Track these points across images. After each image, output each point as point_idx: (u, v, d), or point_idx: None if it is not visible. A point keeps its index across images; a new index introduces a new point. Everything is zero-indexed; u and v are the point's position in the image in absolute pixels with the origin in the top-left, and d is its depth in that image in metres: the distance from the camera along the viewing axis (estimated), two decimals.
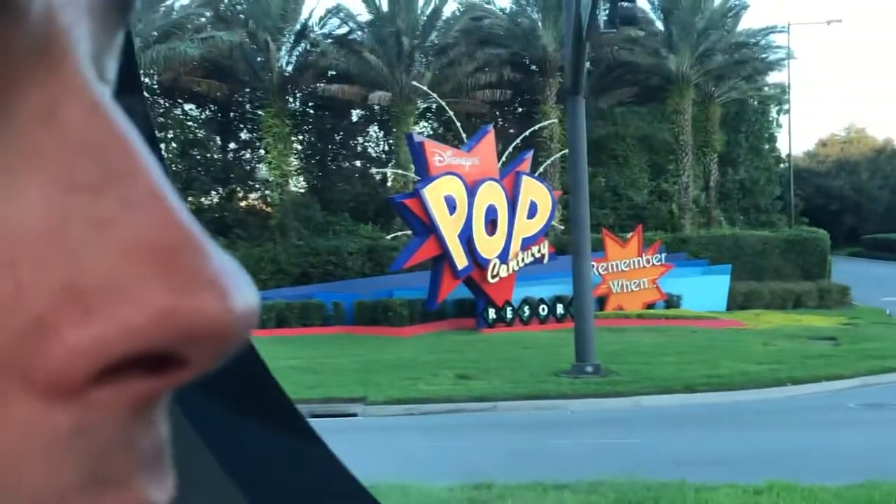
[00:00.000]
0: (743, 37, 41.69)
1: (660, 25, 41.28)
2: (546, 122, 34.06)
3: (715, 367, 18.48)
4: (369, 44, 35.23)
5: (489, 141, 28.43)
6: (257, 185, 41.19)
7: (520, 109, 42.23)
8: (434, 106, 37.39)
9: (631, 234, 31.77)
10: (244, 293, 0.30)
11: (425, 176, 26.74)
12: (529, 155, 29.54)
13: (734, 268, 36.34)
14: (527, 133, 29.96)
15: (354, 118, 42.67)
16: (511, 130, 38.85)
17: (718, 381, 17.14)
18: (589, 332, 18.12)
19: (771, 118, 52.58)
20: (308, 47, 37.10)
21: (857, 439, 12.49)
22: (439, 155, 27.16)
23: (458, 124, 28.44)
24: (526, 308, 27.95)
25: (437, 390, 16.80)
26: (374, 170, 40.41)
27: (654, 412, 15.67)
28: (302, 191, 40.41)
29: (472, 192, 27.24)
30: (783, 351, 21.05)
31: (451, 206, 26.82)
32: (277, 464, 1.01)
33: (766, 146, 51.65)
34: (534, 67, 39.09)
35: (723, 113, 48.15)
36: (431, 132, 40.38)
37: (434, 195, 26.49)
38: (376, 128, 43.21)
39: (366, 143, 43.72)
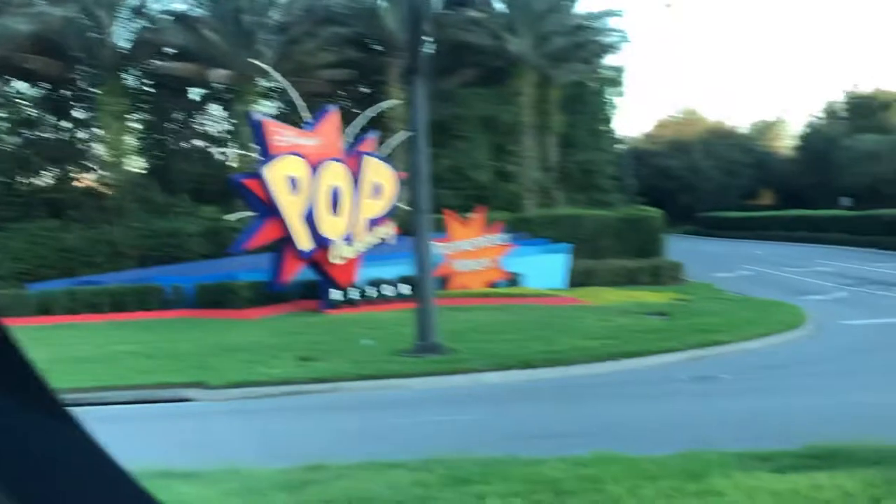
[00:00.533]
0: (581, 20, 42.52)
1: (502, 7, 41.65)
2: (390, 103, 33.88)
3: (552, 344, 18.85)
4: (209, 21, 34.34)
5: (332, 121, 28.19)
6: (94, 166, 39.69)
7: (365, 90, 41.94)
8: (278, 85, 36.79)
9: (473, 214, 32.07)
10: None
11: (266, 156, 26.32)
12: (373, 135, 29.44)
13: (573, 247, 37.22)
14: (370, 114, 29.72)
15: (196, 97, 41.61)
16: (356, 111, 38.63)
17: (555, 356, 17.48)
18: (430, 312, 18.21)
19: (608, 100, 53.81)
20: (145, 24, 35.92)
21: (685, 410, 12.94)
22: (281, 135, 26.76)
23: (300, 104, 28.01)
24: (371, 289, 27.89)
25: (277, 373, 16.57)
26: (215, 150, 39.52)
27: (492, 389, 15.86)
28: (141, 171, 39.19)
29: (314, 172, 26.99)
30: (618, 326, 21.64)
31: (294, 186, 26.52)
32: (33, 446, 0.99)
33: (604, 128, 52.83)
34: (378, 47, 38.88)
35: (563, 95, 49.05)
36: (277, 112, 39.73)
37: (275, 176, 26.12)
38: (219, 107, 42.25)
39: (208, 123, 42.72)
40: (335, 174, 27.62)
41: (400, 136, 30.24)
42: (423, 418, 13.04)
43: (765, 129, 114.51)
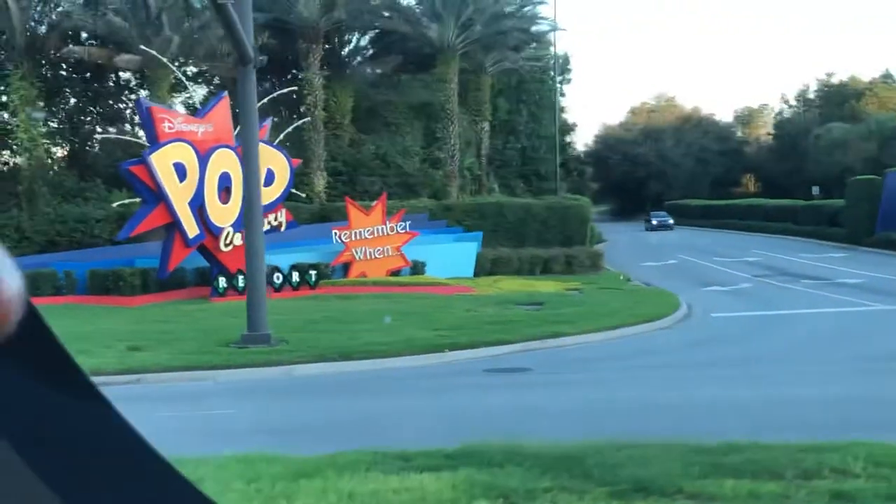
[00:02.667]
0: (506, 6, 42.04)
1: None
2: (285, 91, 33.39)
3: (391, 335, 18.77)
4: (117, 5, 34.04)
5: (224, 107, 28.14)
6: (11, 149, 39.39)
7: (287, 76, 41.58)
8: (197, 71, 36.60)
9: (375, 202, 31.98)
10: (11, 281, 0.35)
11: (154, 142, 26.31)
12: (268, 122, 29.31)
13: (497, 234, 37.27)
14: (265, 100, 29.48)
15: (114, 82, 41.32)
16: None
17: (378, 348, 17.37)
18: (260, 302, 18.14)
19: (553, 88, 53.65)
20: (54, 7, 35.63)
21: (446, 405, 12.90)
22: (169, 121, 26.73)
23: (190, 87, 27.91)
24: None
25: (92, 363, 16.48)
26: (127, 136, 39.16)
27: (301, 381, 15.79)
28: (55, 156, 38.97)
29: (203, 159, 26.92)
30: (475, 316, 21.57)
31: (182, 173, 26.44)
32: (69, 430, 1.02)
33: (548, 115, 52.71)
34: (297, 32, 38.33)
35: (504, 82, 48.91)
36: (203, 96, 39.62)
37: (162, 162, 26.06)
38: (144, 92, 42.00)
39: (127, 108, 42.43)
40: (225, 161, 27.51)
41: (297, 123, 30.09)
42: (190, 413, 12.98)
43: (747, 116, 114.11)
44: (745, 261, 40.24)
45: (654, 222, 72.19)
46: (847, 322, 21.66)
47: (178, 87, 36.54)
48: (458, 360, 17.33)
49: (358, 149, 40.44)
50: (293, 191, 29.77)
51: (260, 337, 17.88)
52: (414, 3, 41.44)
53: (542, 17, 43.67)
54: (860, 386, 13.77)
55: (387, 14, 38.56)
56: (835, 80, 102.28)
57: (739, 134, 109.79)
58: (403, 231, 31.41)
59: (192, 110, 38.74)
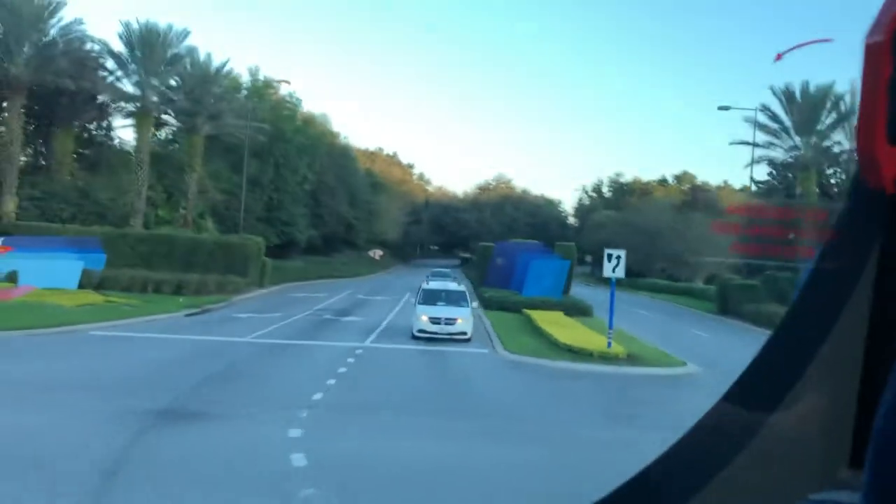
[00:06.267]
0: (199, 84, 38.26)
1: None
2: None
3: None
4: None
5: None
6: None
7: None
8: None
9: None
10: None
11: None
12: None
13: (170, 260, 34.02)
14: None
15: None
16: None
17: None
18: None
19: (299, 151, 49.86)
20: None
21: None
22: None
23: None
24: None
25: None
26: None
27: None
28: None
29: None
30: None
31: None
32: None
33: (292, 174, 48.93)
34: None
35: (259, 144, 45.29)
36: None
37: None
38: None
39: None
40: None
41: None
42: None
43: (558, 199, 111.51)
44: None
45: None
46: None
47: None
48: None
49: (62, 182, 36.64)
50: None
51: None
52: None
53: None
54: None
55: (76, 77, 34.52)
56: (623, 179, 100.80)
57: (546, 210, 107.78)
58: None
59: None
